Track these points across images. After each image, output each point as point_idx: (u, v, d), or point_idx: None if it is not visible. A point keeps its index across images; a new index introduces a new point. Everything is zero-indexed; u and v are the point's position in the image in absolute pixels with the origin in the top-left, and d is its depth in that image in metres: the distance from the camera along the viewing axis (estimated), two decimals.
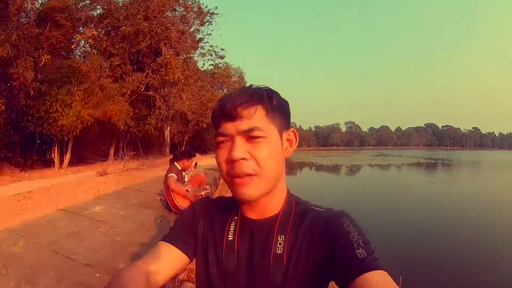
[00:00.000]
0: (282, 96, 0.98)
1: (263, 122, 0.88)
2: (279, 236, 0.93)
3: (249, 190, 0.88)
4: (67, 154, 18.34)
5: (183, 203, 5.52)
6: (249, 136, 0.87)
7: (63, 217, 4.96)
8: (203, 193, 6.39)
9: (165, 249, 0.99)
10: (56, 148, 17.60)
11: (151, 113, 23.57)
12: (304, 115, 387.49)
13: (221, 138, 0.91)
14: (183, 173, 5.89)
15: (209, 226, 1.04)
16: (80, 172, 15.75)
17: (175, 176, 5.49)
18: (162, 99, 23.52)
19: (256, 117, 0.87)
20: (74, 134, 16.91)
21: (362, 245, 0.81)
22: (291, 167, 47.60)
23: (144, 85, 22.75)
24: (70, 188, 10.14)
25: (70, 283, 3.15)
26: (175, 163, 5.84)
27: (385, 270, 0.77)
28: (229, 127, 0.88)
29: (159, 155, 26.04)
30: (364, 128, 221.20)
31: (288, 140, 0.97)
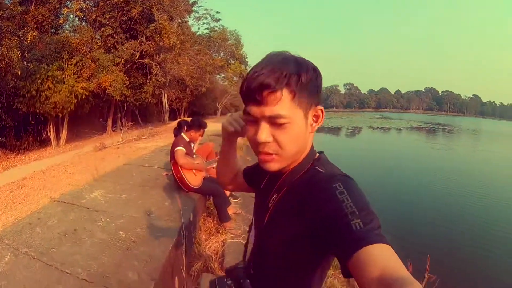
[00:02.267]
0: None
1: (288, 107, 0.88)
2: (274, 194, 1.05)
3: (270, 165, 0.96)
4: (63, 131, 17.62)
5: (194, 180, 4.74)
6: (274, 122, 0.89)
7: (57, 211, 4.21)
8: (214, 165, 5.63)
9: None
10: (51, 126, 16.87)
11: (148, 80, 22.71)
12: None
13: (249, 117, 0.94)
14: (191, 144, 5.07)
15: (261, 176, 1.21)
16: (78, 148, 15.44)
17: (183, 149, 4.65)
18: (158, 66, 22.63)
19: (281, 103, 0.87)
20: (69, 109, 16.12)
21: (357, 213, 0.78)
22: None
23: (138, 53, 21.75)
24: (67, 168, 9.58)
25: None
26: (183, 134, 5.00)
27: (387, 243, 0.73)
28: (254, 110, 0.91)
29: (158, 123, 25.76)
30: (364, 90, 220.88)
31: (315, 115, 0.97)
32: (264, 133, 0.90)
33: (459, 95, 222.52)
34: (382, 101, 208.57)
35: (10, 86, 14.20)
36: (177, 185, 4.83)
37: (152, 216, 4.06)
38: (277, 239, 0.99)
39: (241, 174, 1.39)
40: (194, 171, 4.81)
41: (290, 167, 1.01)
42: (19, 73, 13.56)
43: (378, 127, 47.97)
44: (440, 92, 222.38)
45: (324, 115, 0.99)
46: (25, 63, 14.68)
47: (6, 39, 12.82)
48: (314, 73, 0.93)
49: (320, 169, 0.98)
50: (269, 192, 1.07)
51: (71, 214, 4.12)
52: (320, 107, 0.97)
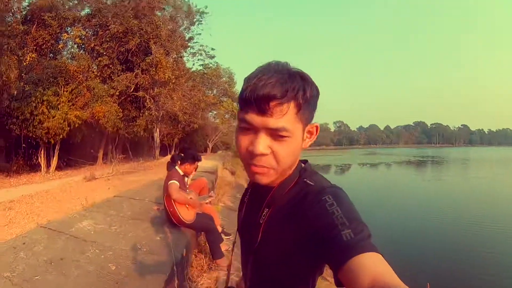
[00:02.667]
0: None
1: (291, 121, 0.88)
2: (265, 209, 1.01)
3: (263, 178, 0.93)
4: (54, 158, 17.47)
5: (187, 215, 4.64)
6: (275, 134, 0.87)
7: (44, 237, 4.09)
8: (207, 200, 5.54)
9: None
10: (42, 152, 16.79)
11: (141, 114, 22.90)
12: None
13: (245, 125, 0.90)
14: (185, 178, 4.99)
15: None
16: (68, 176, 15.11)
17: (177, 183, 4.56)
18: (152, 100, 22.86)
19: (286, 117, 0.86)
20: (61, 137, 16.12)
21: (347, 224, 0.78)
22: None
23: (133, 85, 22.00)
24: (55, 195, 9.39)
25: None
26: (176, 167, 4.92)
27: (377, 252, 0.74)
28: (256, 120, 0.87)
29: (149, 158, 25.44)
30: (353, 127, 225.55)
31: (309, 131, 0.97)
32: (263, 145, 0.88)
33: (448, 126, 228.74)
34: (372, 137, 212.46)
35: (5, 106, 14.13)
36: (169, 219, 4.72)
37: (143, 250, 3.95)
38: (273, 255, 0.97)
39: None
40: (187, 205, 4.71)
41: (279, 181, 0.99)
42: (15, 93, 13.56)
43: (367, 163, 48.38)
44: (429, 125, 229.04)
45: (318, 131, 0.99)
46: (21, 84, 14.74)
47: (6, 57, 12.90)
48: (316, 89, 0.94)
49: (309, 182, 0.97)
50: (258, 208, 1.04)
51: (59, 242, 4.00)
52: (316, 123, 0.98)
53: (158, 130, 26.96)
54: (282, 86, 0.85)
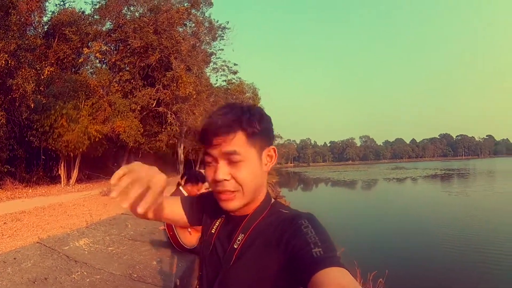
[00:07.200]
0: (271, 113, 1.09)
1: (242, 146, 0.95)
2: (240, 234, 1.04)
3: (231, 204, 1.00)
4: (75, 171, 17.58)
5: (189, 239, 4.36)
6: (230, 158, 0.95)
7: (36, 253, 3.93)
8: None
9: (177, 202, 1.27)
10: (63, 164, 16.92)
11: (163, 129, 22.96)
12: (319, 131, 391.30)
13: (207, 159, 1.01)
14: None
15: (206, 218, 1.22)
16: (87, 190, 15.20)
17: None
18: (173, 115, 22.88)
19: (235, 142, 0.94)
20: (81, 150, 16.23)
21: (319, 244, 0.83)
22: (308, 183, 48.48)
23: (155, 101, 22.19)
24: (67, 209, 9.34)
25: None
26: (181, 188, 4.67)
27: (345, 268, 0.77)
28: (213, 151, 0.97)
29: (172, 173, 25.20)
30: (379, 142, 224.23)
31: (268, 155, 1.04)
32: (222, 171, 0.95)
33: (473, 137, 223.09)
34: (398, 151, 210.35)
35: (24, 118, 14.34)
36: (170, 243, 4.45)
37: (133, 276, 3.68)
38: (246, 277, 0.98)
39: (173, 203, 1.27)
40: (189, 229, 4.45)
41: (252, 208, 1.05)
42: (32, 105, 13.72)
43: (393, 178, 47.33)
44: (454, 137, 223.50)
45: (277, 154, 1.06)
46: (38, 96, 14.91)
47: (23, 70, 13.12)
48: (266, 121, 1.03)
49: (284, 211, 1.04)
50: (232, 234, 1.07)
51: (49, 260, 3.82)
52: (273, 147, 1.05)
53: (182, 145, 27.00)
54: (228, 119, 0.95)
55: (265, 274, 0.93)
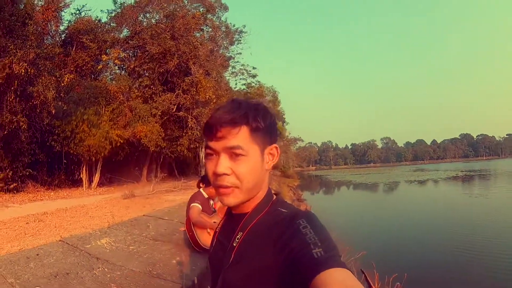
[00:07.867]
0: (272, 114, 1.08)
1: (245, 141, 0.96)
2: (239, 233, 1.03)
3: (230, 199, 0.99)
4: (96, 175, 17.96)
5: (207, 240, 4.36)
6: (232, 153, 0.96)
7: (58, 251, 4.01)
8: None
9: None
10: (84, 168, 17.32)
11: (184, 134, 23.08)
12: (341, 133, 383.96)
13: (209, 152, 1.00)
14: (210, 201, 4.73)
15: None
16: (108, 193, 15.48)
17: (199, 206, 4.32)
18: (194, 119, 22.98)
19: (239, 137, 0.95)
20: (103, 154, 16.56)
21: (319, 244, 0.82)
22: (329, 186, 48.34)
23: (175, 106, 22.40)
24: (88, 211, 9.48)
25: None
26: (201, 189, 4.68)
27: (347, 268, 0.77)
28: (215, 144, 0.97)
29: (194, 177, 25.42)
30: (400, 143, 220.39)
31: (270, 154, 1.04)
32: (223, 165, 0.95)
33: (494, 136, 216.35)
34: (419, 153, 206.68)
35: (45, 123, 14.70)
36: (189, 243, 4.47)
37: (153, 273, 3.73)
38: (244, 275, 0.97)
39: None
40: (208, 230, 4.45)
41: (251, 207, 1.04)
42: (53, 111, 14.03)
43: (415, 180, 46.79)
44: (475, 137, 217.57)
45: (279, 152, 1.07)
46: (59, 103, 15.21)
47: (43, 77, 13.45)
48: (269, 114, 1.04)
49: (283, 210, 1.02)
50: (232, 232, 1.07)
51: (71, 257, 3.90)
52: (275, 145, 1.05)
53: (203, 149, 27.04)
54: (233, 113, 0.96)
55: (263, 273, 0.92)
